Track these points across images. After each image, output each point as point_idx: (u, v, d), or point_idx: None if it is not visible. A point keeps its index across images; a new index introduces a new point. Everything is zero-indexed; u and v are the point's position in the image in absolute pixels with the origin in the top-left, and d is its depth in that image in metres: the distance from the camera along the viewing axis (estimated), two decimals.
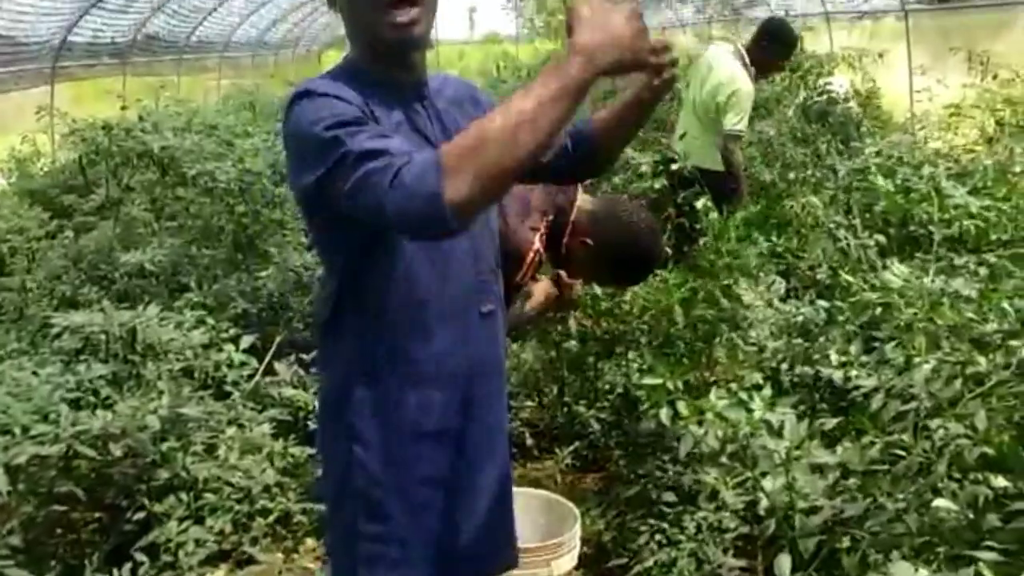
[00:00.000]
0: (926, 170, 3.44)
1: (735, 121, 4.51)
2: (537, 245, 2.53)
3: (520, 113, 1.25)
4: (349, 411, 1.61)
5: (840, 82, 5.90)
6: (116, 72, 9.49)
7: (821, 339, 2.53)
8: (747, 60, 4.63)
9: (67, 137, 4.72)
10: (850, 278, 2.69)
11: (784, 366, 2.66)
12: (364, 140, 1.35)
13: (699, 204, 3.48)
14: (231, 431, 2.89)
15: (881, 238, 3.47)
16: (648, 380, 2.08)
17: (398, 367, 1.60)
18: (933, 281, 2.39)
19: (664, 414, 2.07)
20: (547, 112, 1.26)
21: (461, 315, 1.63)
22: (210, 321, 3.15)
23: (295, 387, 3.52)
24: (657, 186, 4.09)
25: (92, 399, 2.61)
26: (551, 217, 2.59)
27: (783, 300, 3.31)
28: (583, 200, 2.64)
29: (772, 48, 4.65)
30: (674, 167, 4.05)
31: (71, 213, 5.40)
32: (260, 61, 15.51)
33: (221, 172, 3.97)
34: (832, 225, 3.48)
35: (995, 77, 6.45)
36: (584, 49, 1.29)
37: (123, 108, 5.18)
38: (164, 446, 2.58)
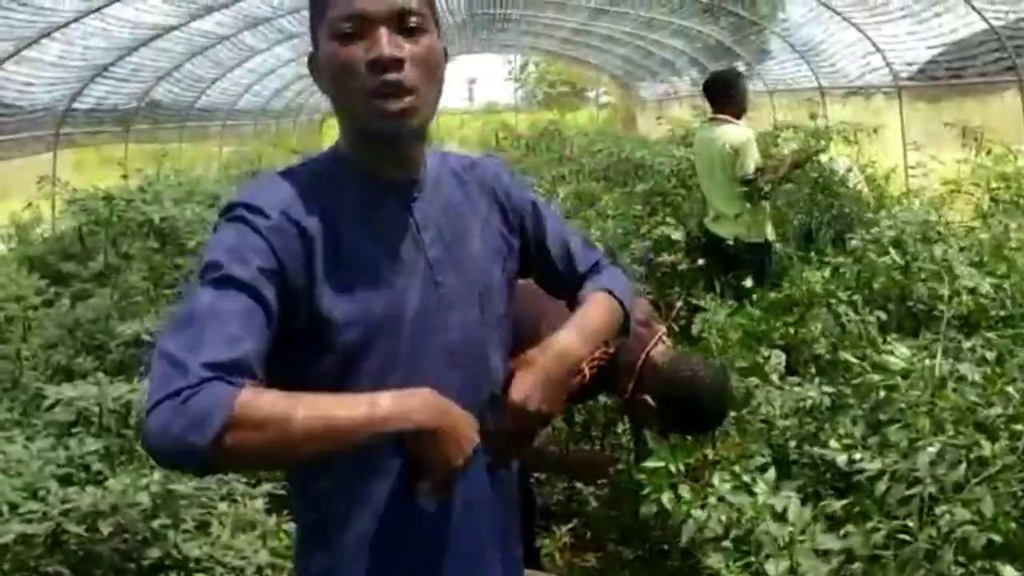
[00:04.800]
0: (938, 249, 3.46)
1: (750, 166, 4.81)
2: (582, 367, 2.49)
3: (337, 427, 1.10)
4: None
5: (843, 163, 5.98)
6: (119, 139, 9.59)
7: (827, 425, 2.51)
8: (730, 118, 4.95)
9: (69, 205, 4.74)
10: (851, 358, 2.68)
11: (792, 444, 2.63)
12: (202, 303, 1.13)
13: (747, 283, 3.67)
14: (224, 507, 2.83)
15: (881, 314, 3.47)
16: (649, 463, 2.05)
17: (349, 522, 1.31)
18: (935, 360, 2.38)
19: (666, 498, 2.03)
20: (358, 439, 1.12)
21: None
22: None
23: None
24: (701, 262, 4.36)
25: (83, 475, 2.56)
26: (611, 351, 2.54)
27: (782, 377, 3.30)
28: (658, 353, 2.58)
29: (733, 92, 5.00)
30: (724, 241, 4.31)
31: (69, 280, 5.40)
32: (263, 129, 15.70)
33: None
34: (832, 301, 3.48)
35: (989, 152, 6.54)
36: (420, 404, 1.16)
37: (124, 177, 5.21)
38: (155, 523, 2.52)
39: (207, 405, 1.04)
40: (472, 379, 1.36)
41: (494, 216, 1.45)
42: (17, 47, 6.21)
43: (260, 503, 2.97)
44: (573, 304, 1.52)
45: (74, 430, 2.81)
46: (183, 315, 1.14)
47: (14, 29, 6.06)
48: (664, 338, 2.65)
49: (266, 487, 3.08)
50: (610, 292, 1.50)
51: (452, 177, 1.42)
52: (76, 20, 6.58)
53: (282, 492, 3.32)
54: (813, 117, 6.38)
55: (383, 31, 1.22)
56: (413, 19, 1.24)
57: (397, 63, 1.22)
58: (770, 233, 4.98)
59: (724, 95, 4.98)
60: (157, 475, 2.56)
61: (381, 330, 1.27)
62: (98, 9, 6.59)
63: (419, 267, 1.31)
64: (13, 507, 2.26)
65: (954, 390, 2.37)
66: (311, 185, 1.28)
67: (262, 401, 1.08)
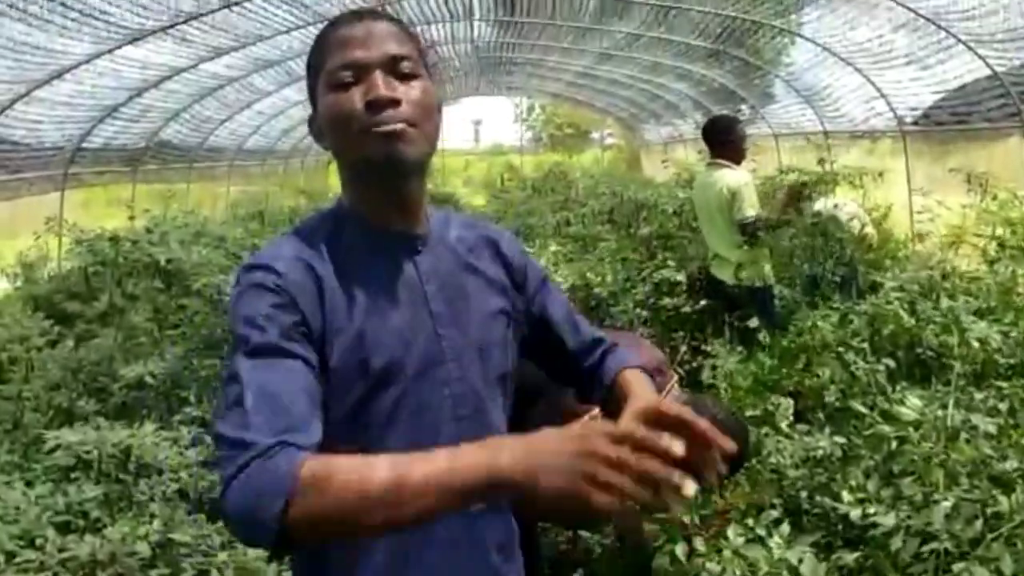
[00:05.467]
0: (945, 303, 3.44)
1: (748, 211, 4.80)
2: (595, 414, 2.47)
3: (413, 485, 1.01)
4: None
5: (850, 209, 5.96)
6: (126, 179, 9.63)
7: (838, 475, 2.47)
8: (728, 163, 4.99)
9: (76, 247, 4.74)
10: (861, 408, 2.64)
11: (803, 494, 2.58)
12: (251, 379, 1.14)
13: (752, 324, 3.66)
14: (224, 556, 2.78)
15: (890, 362, 3.44)
16: (662, 515, 2.01)
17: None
18: (951, 414, 2.34)
19: (679, 550, 1.98)
20: (438, 500, 1.01)
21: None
22: (207, 438, 3.08)
23: None
24: (702, 305, 4.35)
25: (81, 522, 2.52)
26: None
27: (792, 424, 3.26)
28: (670, 400, 2.57)
29: (732, 137, 5.04)
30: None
31: (74, 320, 5.39)
32: (270, 169, 15.78)
33: (227, 284, 3.97)
34: (841, 349, 3.45)
35: (995, 198, 6.53)
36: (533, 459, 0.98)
37: (131, 219, 5.23)
38: (154, 573, 2.48)
39: (269, 478, 1.04)
40: (475, 434, 1.30)
41: (498, 273, 1.45)
42: (28, 88, 6.26)
43: (261, 550, 2.92)
44: (593, 378, 1.51)
45: (73, 475, 2.77)
46: (229, 396, 1.15)
47: (25, 71, 6.11)
48: (676, 385, 2.62)
49: None
50: (642, 369, 1.51)
51: (456, 235, 1.44)
52: (87, 61, 6.64)
53: None
54: (821, 162, 6.40)
55: (378, 74, 1.27)
56: (405, 64, 1.29)
57: (394, 103, 1.26)
58: (769, 276, 4.97)
59: (723, 140, 5.03)
60: (156, 523, 2.53)
61: (382, 382, 1.27)
62: (109, 51, 6.65)
63: (422, 319, 1.32)
64: (10, 556, 2.22)
65: (967, 442, 2.33)
66: (316, 239, 1.31)
67: (330, 467, 1.05)
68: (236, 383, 1.15)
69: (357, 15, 1.33)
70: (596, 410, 2.59)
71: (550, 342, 1.52)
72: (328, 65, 1.30)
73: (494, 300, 1.43)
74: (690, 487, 0.92)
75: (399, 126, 1.25)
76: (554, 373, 1.57)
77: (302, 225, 1.37)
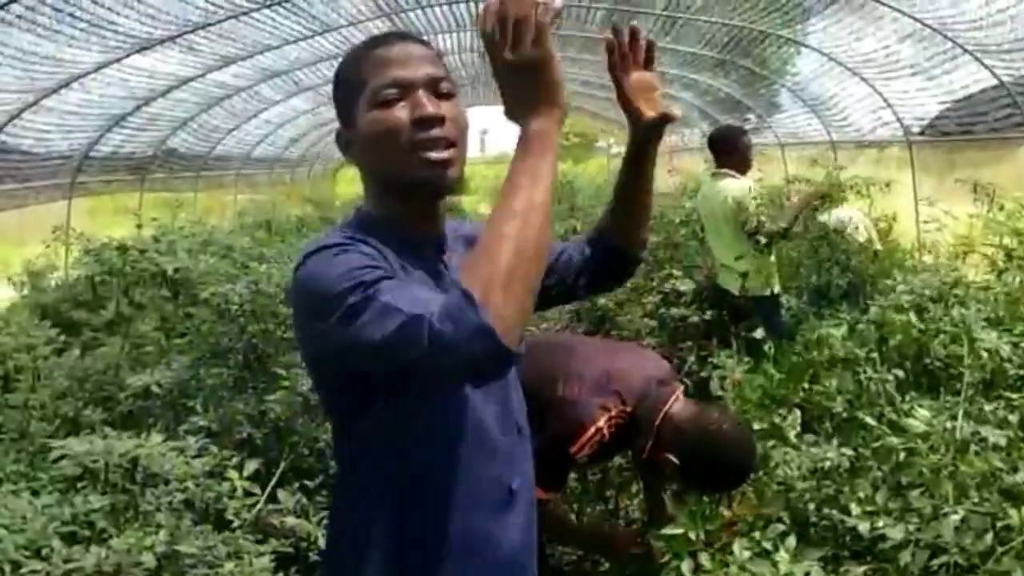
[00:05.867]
0: (956, 312, 3.42)
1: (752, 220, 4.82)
2: (601, 425, 2.46)
3: (514, 205, 1.21)
4: None
5: (856, 219, 5.94)
6: (134, 188, 9.66)
7: (846, 488, 2.45)
8: (733, 172, 5.02)
9: (83, 256, 4.75)
10: (869, 419, 2.63)
11: (811, 506, 2.57)
12: (387, 294, 1.20)
13: (758, 334, 3.63)
14: (230, 566, 2.77)
15: (898, 372, 3.42)
16: (668, 530, 2.00)
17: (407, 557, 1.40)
18: (960, 426, 2.33)
19: (685, 567, 1.97)
20: (540, 186, 1.22)
21: (485, 494, 1.44)
22: (214, 448, 3.08)
23: (298, 516, 3.41)
24: (708, 316, 4.33)
25: (87, 533, 2.52)
26: (629, 409, 2.51)
27: (799, 435, 3.24)
28: (677, 410, 2.55)
29: (738, 147, 5.07)
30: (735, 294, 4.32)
31: (80, 328, 5.40)
32: (277, 178, 15.84)
33: (234, 293, 3.97)
34: (851, 358, 3.43)
35: (1002, 208, 6.51)
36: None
37: (138, 227, 5.24)
38: None
39: (449, 304, 1.13)
40: (503, 413, 1.48)
41: None
42: (36, 97, 6.29)
43: (267, 560, 2.91)
44: (603, 257, 1.66)
45: (79, 485, 2.77)
46: (372, 311, 1.19)
47: (34, 80, 6.14)
48: (682, 396, 2.62)
49: (273, 543, 3.02)
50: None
51: (464, 236, 1.57)
52: (95, 71, 6.66)
53: (289, 550, 3.28)
54: (834, 176, 6.39)
55: (422, 93, 1.36)
56: (444, 85, 1.39)
57: (440, 120, 1.36)
58: (776, 286, 4.96)
59: (728, 149, 5.03)
60: (162, 534, 2.52)
61: None
62: (117, 60, 6.68)
63: None
64: (16, 567, 2.22)
65: (977, 454, 2.32)
66: (360, 234, 1.37)
67: (465, 269, 1.17)
68: (371, 306, 1.19)
69: (394, 36, 1.43)
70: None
71: (561, 265, 1.65)
72: (372, 83, 1.37)
73: None
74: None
75: (447, 153, 1.36)
76: (579, 287, 1.69)
77: (337, 228, 1.46)
